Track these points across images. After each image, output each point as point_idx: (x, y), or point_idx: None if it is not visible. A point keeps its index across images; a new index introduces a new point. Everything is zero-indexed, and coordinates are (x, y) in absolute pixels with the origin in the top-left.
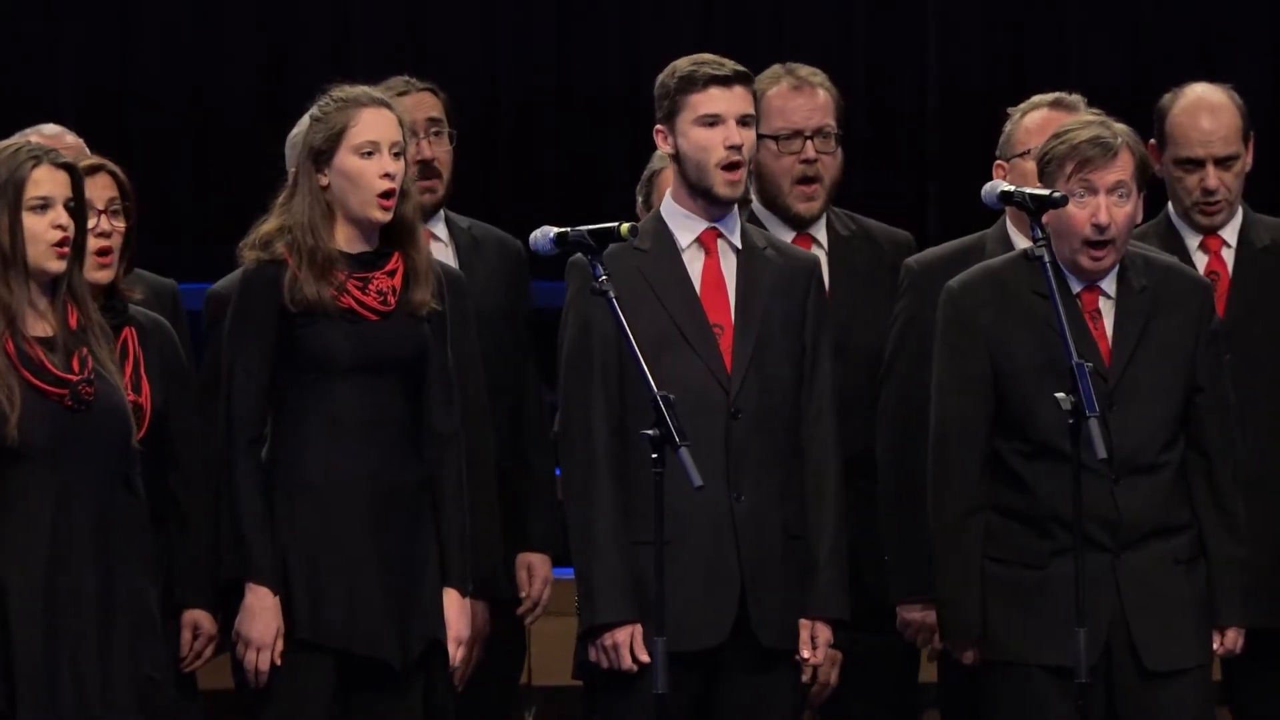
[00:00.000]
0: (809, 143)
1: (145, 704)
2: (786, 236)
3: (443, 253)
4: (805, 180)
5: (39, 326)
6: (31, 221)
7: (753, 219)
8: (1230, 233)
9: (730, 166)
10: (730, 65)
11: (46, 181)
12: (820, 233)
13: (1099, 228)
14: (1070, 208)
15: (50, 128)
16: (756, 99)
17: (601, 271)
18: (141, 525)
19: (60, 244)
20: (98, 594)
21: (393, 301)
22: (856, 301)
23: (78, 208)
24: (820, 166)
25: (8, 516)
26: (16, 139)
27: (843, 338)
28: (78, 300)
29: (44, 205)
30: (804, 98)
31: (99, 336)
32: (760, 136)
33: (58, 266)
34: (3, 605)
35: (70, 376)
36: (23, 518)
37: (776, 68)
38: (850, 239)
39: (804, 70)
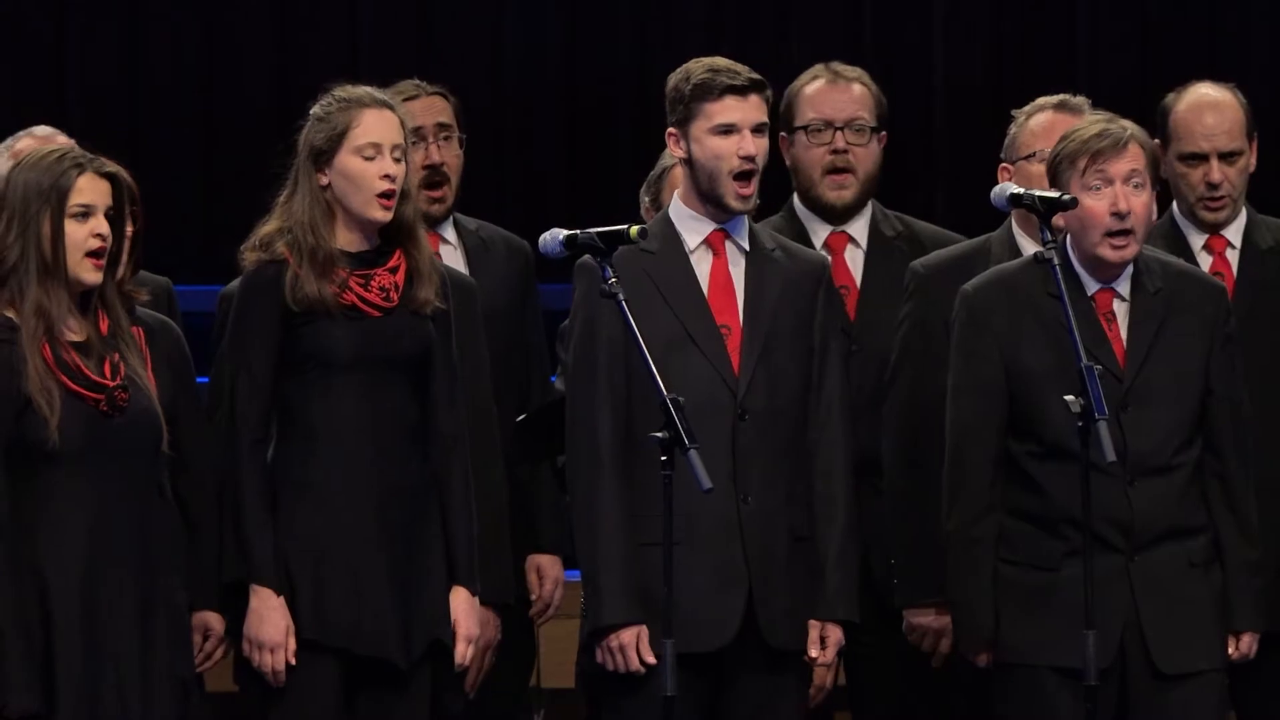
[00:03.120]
0: (839, 133)
1: (179, 706)
2: (824, 232)
3: (451, 255)
4: (835, 170)
5: (72, 332)
6: (72, 229)
7: (791, 216)
8: (1234, 234)
9: (743, 176)
10: (745, 73)
11: (90, 190)
12: (859, 231)
13: (1119, 215)
14: (1087, 201)
15: (42, 129)
16: (769, 105)
17: (611, 274)
18: (173, 529)
19: (97, 254)
20: (136, 596)
21: (395, 298)
22: (883, 303)
23: (116, 217)
24: (851, 157)
25: (47, 519)
26: (14, 140)
27: (867, 338)
28: (108, 307)
29: (85, 213)
30: (838, 92)
31: (129, 343)
32: (794, 130)
33: (93, 278)
34: (44, 607)
35: (106, 381)
36: (62, 520)
37: (816, 66)
38: (894, 240)
39: (841, 67)
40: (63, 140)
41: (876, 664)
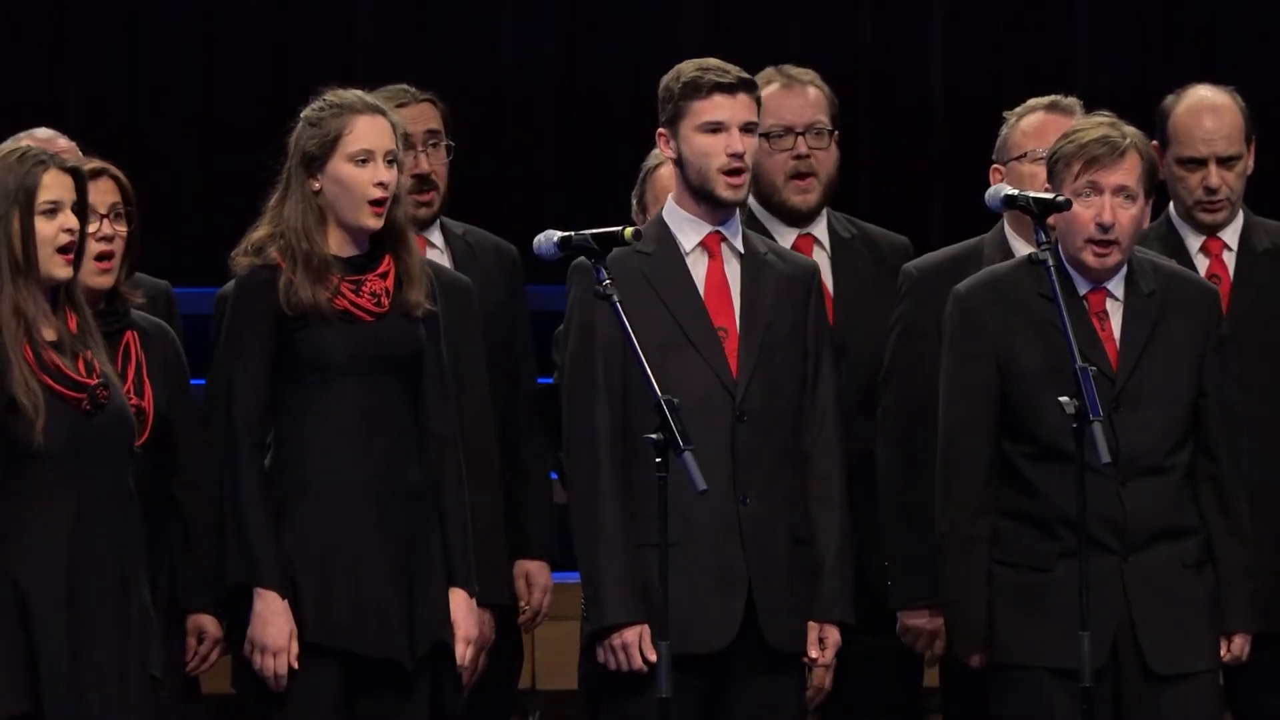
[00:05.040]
0: (800, 139)
1: (152, 704)
2: (787, 235)
3: (438, 260)
4: (799, 175)
5: (47, 331)
6: (42, 226)
7: (751, 220)
8: (1231, 236)
9: (732, 172)
10: (734, 72)
11: (55, 185)
12: (822, 233)
13: (1103, 227)
14: (1076, 207)
15: (43, 131)
16: (760, 105)
17: (605, 275)
18: (139, 525)
19: (67, 248)
20: (114, 597)
21: (386, 303)
22: (858, 304)
23: (81, 211)
24: (814, 162)
25: (29, 519)
26: (14, 142)
27: (844, 340)
28: (75, 304)
29: (54, 210)
30: (795, 96)
31: (96, 339)
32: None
33: (65, 273)
34: (25, 607)
35: (86, 380)
36: (44, 521)
37: (769, 70)
38: (851, 241)
39: (795, 70)
40: (63, 143)
41: (869, 666)
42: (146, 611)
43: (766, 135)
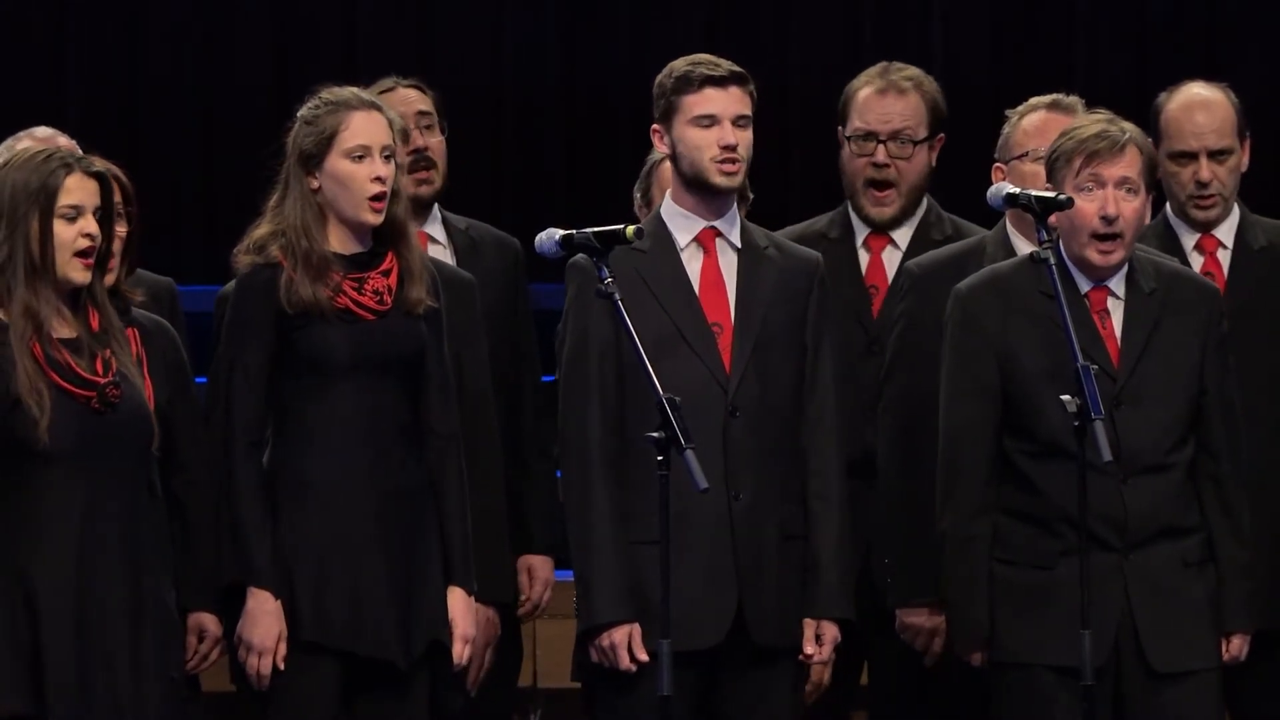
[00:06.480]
0: (881, 146)
1: (169, 705)
2: (863, 232)
3: (440, 254)
4: (875, 184)
5: (63, 329)
6: (61, 229)
7: (845, 214)
8: (1226, 234)
9: (725, 160)
10: (726, 65)
11: (78, 190)
12: (901, 234)
13: (1107, 219)
14: (1079, 202)
15: (42, 131)
16: (753, 99)
17: (607, 274)
18: (161, 525)
19: (86, 253)
20: (126, 596)
21: (389, 300)
22: None
23: (105, 216)
24: (893, 171)
25: (37, 519)
26: (15, 141)
27: (880, 334)
28: (98, 305)
29: (74, 214)
30: (886, 102)
31: (119, 339)
32: (845, 135)
33: (82, 277)
34: (33, 608)
35: (97, 379)
36: (52, 520)
37: (873, 68)
38: (941, 244)
39: (899, 74)
40: (63, 142)
41: (889, 664)
42: (166, 611)
43: (850, 138)
